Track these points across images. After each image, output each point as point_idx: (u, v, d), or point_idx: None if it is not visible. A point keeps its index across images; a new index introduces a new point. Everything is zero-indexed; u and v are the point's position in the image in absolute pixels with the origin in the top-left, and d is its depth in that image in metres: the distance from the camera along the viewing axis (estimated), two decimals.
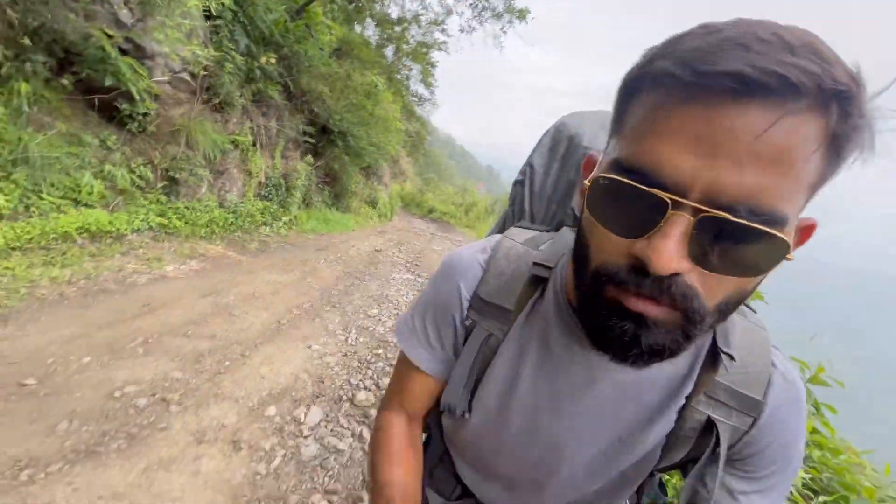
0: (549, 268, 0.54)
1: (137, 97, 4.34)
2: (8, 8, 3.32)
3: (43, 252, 3.22)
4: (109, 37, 4.13)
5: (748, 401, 0.48)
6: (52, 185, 3.55)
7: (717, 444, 0.47)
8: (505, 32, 8.90)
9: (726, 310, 0.37)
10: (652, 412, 0.50)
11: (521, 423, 0.56)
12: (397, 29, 12.68)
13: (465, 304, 0.57)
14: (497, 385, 0.56)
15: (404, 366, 0.63)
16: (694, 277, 0.34)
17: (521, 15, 8.60)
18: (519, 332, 0.55)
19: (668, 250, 0.32)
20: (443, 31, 12.37)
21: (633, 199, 0.33)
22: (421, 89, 16.75)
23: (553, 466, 0.56)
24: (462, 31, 9.32)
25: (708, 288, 0.34)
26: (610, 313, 0.37)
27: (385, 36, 12.95)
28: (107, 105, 4.37)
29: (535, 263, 0.55)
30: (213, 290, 3.71)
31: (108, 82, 4.09)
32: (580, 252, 0.41)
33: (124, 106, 4.42)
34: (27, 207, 3.32)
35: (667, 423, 0.50)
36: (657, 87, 0.32)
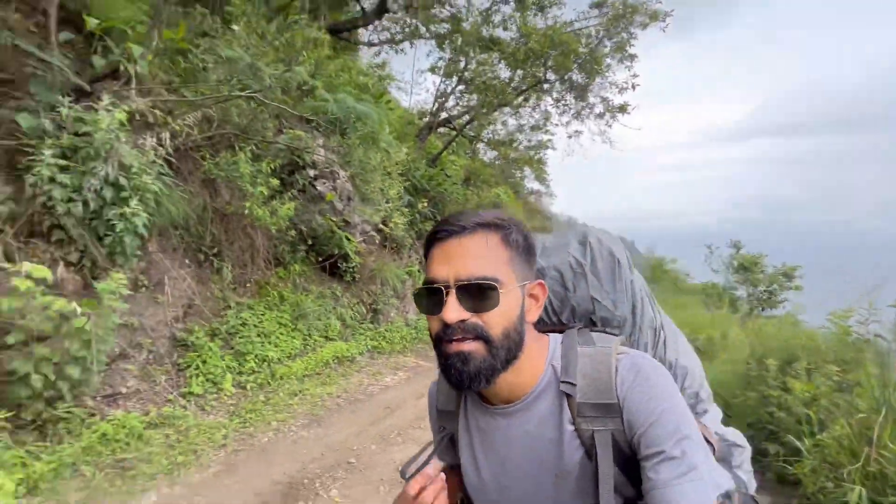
0: None
1: (351, 255, 6.14)
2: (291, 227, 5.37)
3: (318, 376, 4.69)
4: (333, 221, 6.12)
5: (604, 407, 0.63)
6: (315, 328, 5.21)
7: (595, 447, 0.62)
8: (610, 126, 9.85)
9: (510, 335, 0.63)
10: (556, 443, 0.66)
11: (496, 489, 0.73)
12: (512, 144, 14.64)
13: (436, 420, 0.82)
14: (470, 466, 0.76)
15: None
16: (476, 320, 0.61)
17: (623, 109, 9.56)
18: (463, 423, 0.77)
19: (451, 309, 0.60)
20: (546, 131, 13.92)
21: (431, 295, 0.63)
22: (537, 185, 18.30)
23: None
24: (570, 136, 10.56)
25: (488, 324, 0.61)
26: (447, 361, 0.63)
27: (499, 153, 15.04)
28: (332, 266, 6.29)
29: None
30: (422, 393, 4.74)
31: (335, 251, 6.00)
32: (430, 334, 0.67)
33: (343, 264, 6.27)
34: (304, 346, 4.95)
35: (573, 446, 0.65)
36: (428, 246, 0.67)
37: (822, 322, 3.45)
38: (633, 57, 9.86)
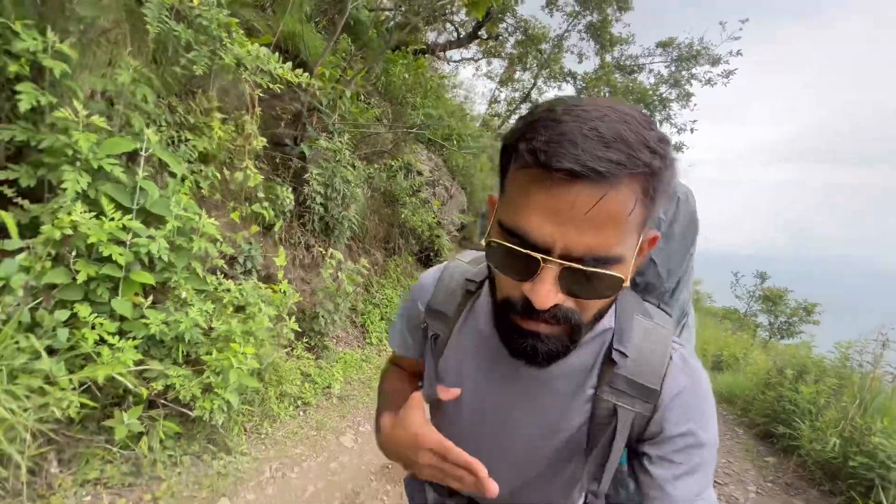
0: (476, 282, 0.69)
1: (444, 251, 7.52)
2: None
3: None
4: (432, 221, 7.50)
5: (645, 389, 0.57)
6: None
7: (616, 426, 0.57)
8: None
9: (599, 316, 0.53)
10: (567, 399, 0.61)
11: (471, 410, 0.68)
12: None
13: (422, 315, 0.74)
14: (449, 378, 0.69)
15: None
16: (570, 304, 0.49)
17: (678, 149, 10.65)
18: (459, 333, 0.69)
19: (545, 292, 0.46)
20: None
21: (517, 256, 0.46)
22: None
23: (499, 448, 0.66)
24: None
25: (582, 308, 0.50)
26: (515, 334, 0.52)
27: None
28: (426, 258, 7.69)
29: (466, 279, 0.70)
30: None
31: (436, 247, 7.39)
32: (492, 284, 0.56)
33: (434, 257, 7.66)
34: None
35: (582, 408, 0.60)
36: (522, 167, 0.46)
37: (830, 349, 4.69)
38: (689, 96, 10.91)
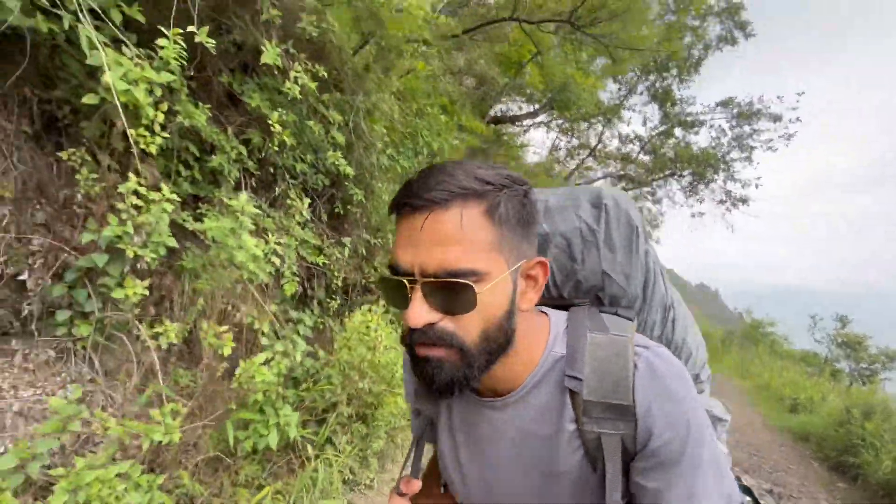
0: None
1: None
2: None
3: None
4: None
5: (619, 408, 0.56)
6: None
7: (603, 455, 0.56)
8: (730, 212, 11.56)
9: (491, 336, 0.54)
10: (551, 442, 0.60)
11: (477, 485, 0.69)
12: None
13: (412, 396, 0.74)
14: (450, 458, 0.71)
15: None
16: (447, 323, 0.53)
17: (744, 201, 11.14)
18: (445, 409, 0.71)
19: (415, 310, 0.51)
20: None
21: (393, 285, 0.54)
22: None
23: None
24: (693, 216, 12.34)
25: (461, 328, 0.53)
26: (416, 363, 0.56)
27: None
28: None
29: None
30: None
31: None
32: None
33: None
34: None
35: (572, 447, 0.59)
36: (392, 211, 0.55)
37: None
38: (752, 149, 11.45)
